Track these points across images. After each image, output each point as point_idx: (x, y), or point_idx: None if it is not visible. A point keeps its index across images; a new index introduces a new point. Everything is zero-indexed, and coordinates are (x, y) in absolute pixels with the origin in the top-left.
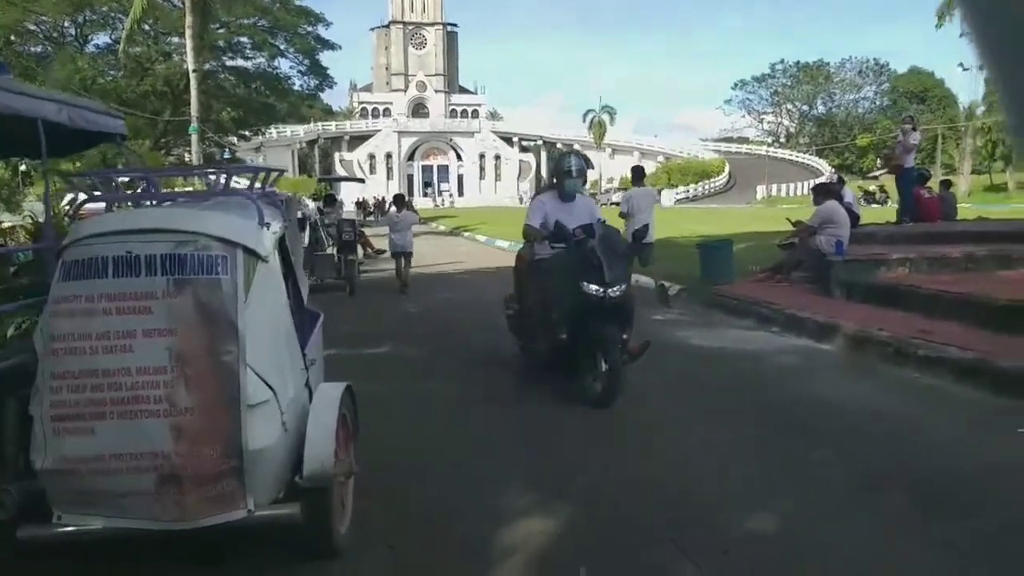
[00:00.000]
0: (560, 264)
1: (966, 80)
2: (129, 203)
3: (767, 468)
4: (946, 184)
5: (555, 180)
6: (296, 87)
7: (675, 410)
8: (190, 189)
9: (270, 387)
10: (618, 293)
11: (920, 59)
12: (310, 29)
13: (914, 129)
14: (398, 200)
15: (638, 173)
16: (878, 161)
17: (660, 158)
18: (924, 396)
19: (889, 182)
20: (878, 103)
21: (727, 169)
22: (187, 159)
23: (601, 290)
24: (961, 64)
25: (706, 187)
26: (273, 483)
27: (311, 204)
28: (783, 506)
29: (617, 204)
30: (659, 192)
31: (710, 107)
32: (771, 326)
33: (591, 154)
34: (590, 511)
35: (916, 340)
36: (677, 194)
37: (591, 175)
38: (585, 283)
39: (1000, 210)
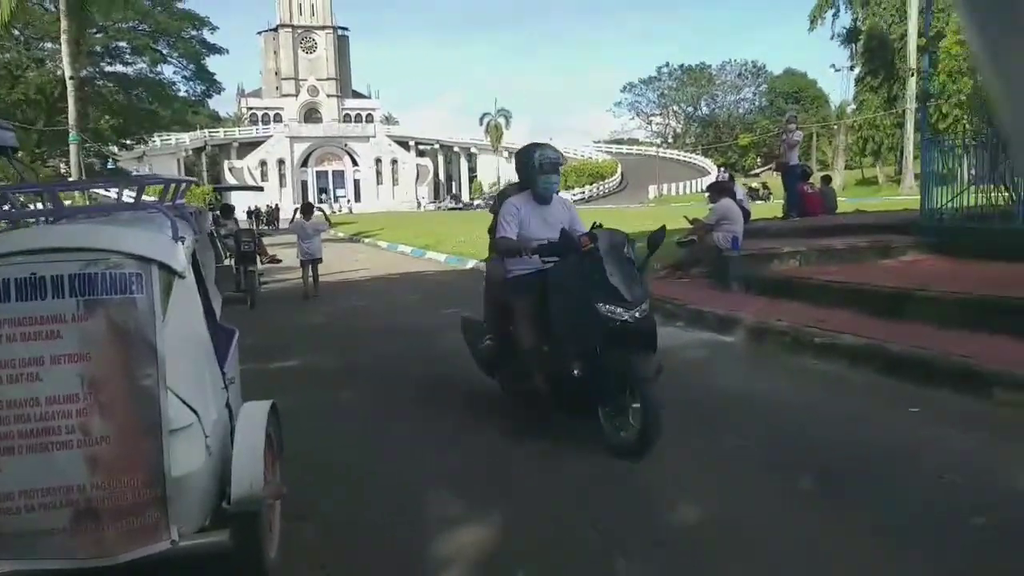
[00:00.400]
0: (562, 282)
1: (837, 80)
2: (3, 221)
3: (684, 460)
4: (826, 180)
5: (524, 179)
6: (181, 93)
7: None
8: (69, 203)
9: (192, 410)
10: (642, 314)
11: (794, 61)
12: (195, 33)
13: (797, 128)
14: (306, 208)
15: None
16: (758, 159)
17: None
18: (822, 382)
19: (770, 179)
20: (757, 104)
21: (619, 170)
22: (63, 171)
23: (623, 312)
24: (833, 65)
25: (601, 188)
26: (199, 511)
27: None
28: (704, 496)
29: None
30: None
31: (600, 110)
32: (676, 321)
33: (489, 157)
34: (518, 514)
35: (811, 329)
36: (573, 195)
37: (490, 176)
38: (602, 304)
39: (874, 202)
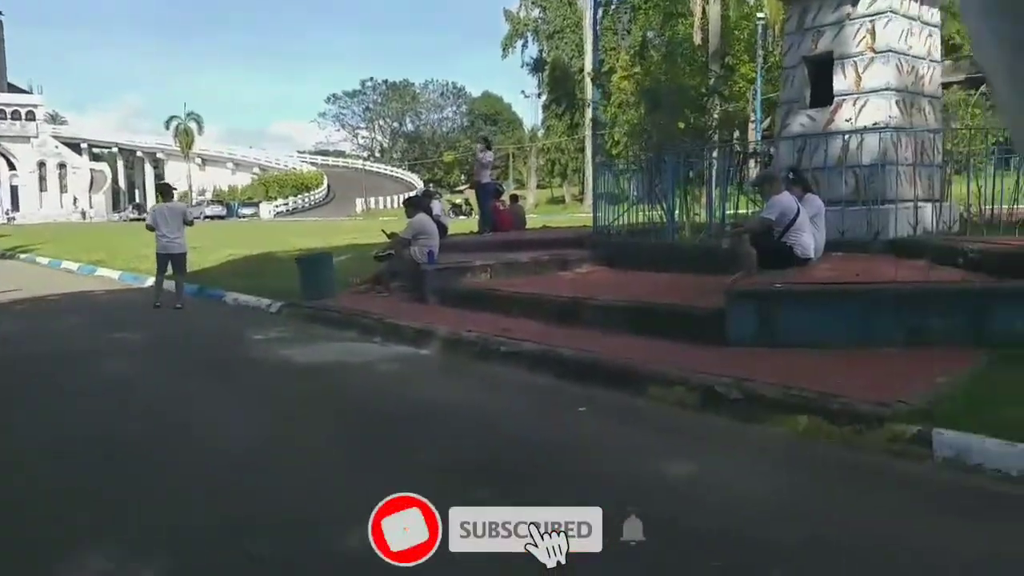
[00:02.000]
0: None
1: (529, 105)
2: None
3: (367, 471)
4: (514, 199)
5: None
6: None
7: (279, 430)
8: None
9: None
10: None
11: (492, 85)
12: None
13: (488, 148)
14: None
15: (164, 190)
16: (462, 176)
17: (256, 170)
18: (505, 387)
19: (472, 196)
20: (459, 123)
21: (326, 182)
22: None
23: None
24: (523, 92)
25: (306, 200)
26: None
27: None
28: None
29: (211, 217)
30: (189, 206)
31: (305, 119)
32: (374, 336)
33: (178, 164)
34: (177, 553)
35: (498, 338)
36: (276, 207)
37: (181, 185)
38: None
39: (560, 219)
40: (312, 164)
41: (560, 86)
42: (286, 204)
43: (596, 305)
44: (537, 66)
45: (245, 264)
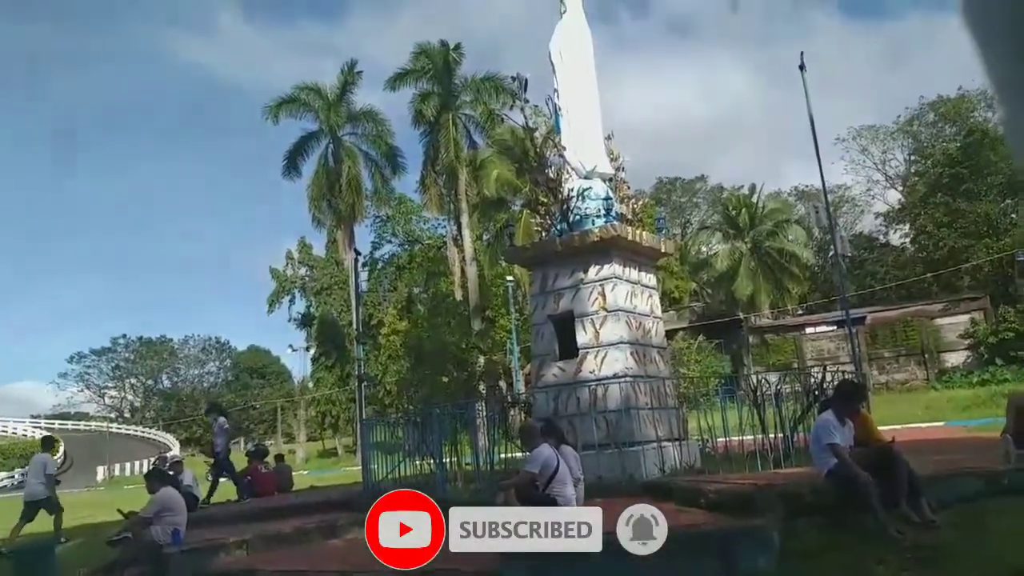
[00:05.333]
0: None
1: (296, 358)
2: None
3: None
4: (278, 458)
5: None
6: None
7: None
8: None
9: None
10: None
11: (257, 339)
12: None
13: (222, 415)
14: None
15: None
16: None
17: None
18: None
19: (237, 452)
20: (223, 377)
21: (62, 449)
22: None
23: None
24: (291, 346)
25: None
26: None
27: None
28: None
29: None
30: None
31: (44, 381)
32: None
33: None
34: None
35: None
36: (1, 481)
37: None
38: None
39: (332, 475)
40: (48, 430)
41: (329, 340)
42: (11, 478)
43: None
44: (305, 321)
45: None
